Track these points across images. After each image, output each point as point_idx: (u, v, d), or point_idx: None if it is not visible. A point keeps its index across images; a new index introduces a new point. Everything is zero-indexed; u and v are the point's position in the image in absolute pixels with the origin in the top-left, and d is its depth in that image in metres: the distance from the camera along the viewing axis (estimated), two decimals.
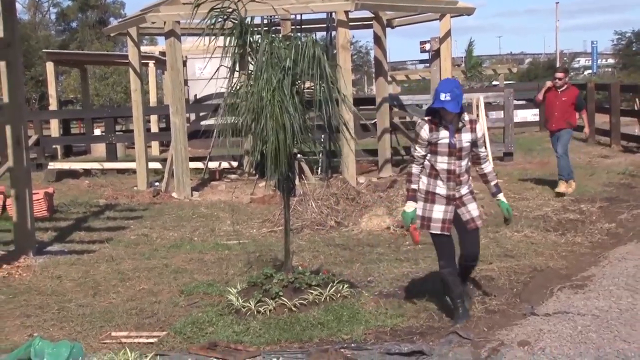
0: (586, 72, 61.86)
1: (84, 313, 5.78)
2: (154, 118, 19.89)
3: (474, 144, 5.15)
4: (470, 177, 5.21)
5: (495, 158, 13.76)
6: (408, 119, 19.12)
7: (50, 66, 19.34)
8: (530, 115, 20.86)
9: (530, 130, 19.68)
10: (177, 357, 4.75)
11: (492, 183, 5.30)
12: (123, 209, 10.67)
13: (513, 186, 10.94)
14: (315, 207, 8.90)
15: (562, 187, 10.10)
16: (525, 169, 12.99)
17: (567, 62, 58.84)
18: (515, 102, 15.57)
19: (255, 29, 5.68)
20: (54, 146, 18.56)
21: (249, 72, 5.63)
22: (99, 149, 18.14)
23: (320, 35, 14.67)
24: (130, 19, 13.13)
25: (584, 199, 9.84)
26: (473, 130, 5.11)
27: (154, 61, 20.77)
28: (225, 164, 13.93)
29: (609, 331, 4.91)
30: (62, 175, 14.26)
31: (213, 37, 5.60)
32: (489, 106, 17.25)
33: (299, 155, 6.59)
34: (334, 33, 12.45)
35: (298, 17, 13.44)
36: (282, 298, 5.51)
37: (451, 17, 12.30)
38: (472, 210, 5.17)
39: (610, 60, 70.75)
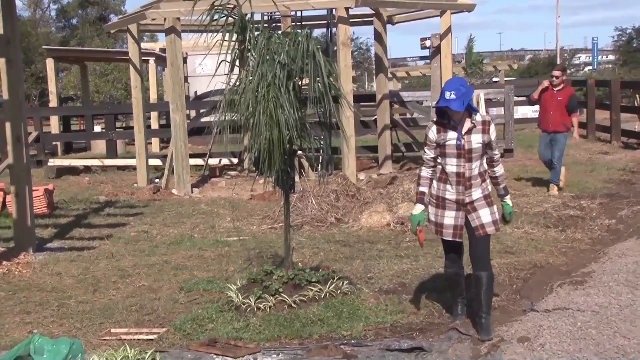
0: (587, 69, 61.87)
1: (84, 310, 5.79)
2: (154, 115, 19.86)
3: (488, 146, 4.94)
4: (487, 181, 5.00)
5: None
6: (409, 115, 19.14)
7: (50, 63, 19.30)
8: (531, 112, 20.82)
9: (530, 127, 19.63)
10: (177, 354, 4.76)
11: (502, 186, 5.14)
12: (123, 206, 10.67)
13: (513, 183, 10.92)
14: (316, 203, 8.91)
15: (554, 191, 10.08)
16: (526, 165, 12.98)
17: (567, 58, 58.73)
18: (516, 98, 15.56)
19: (256, 25, 5.67)
20: (54, 143, 18.51)
21: (249, 68, 5.60)
22: (100, 145, 18.15)
23: (321, 32, 14.67)
24: (130, 16, 13.13)
25: (585, 195, 9.84)
26: (486, 131, 4.88)
27: (154, 58, 20.74)
28: (225, 161, 13.95)
29: (609, 327, 4.92)
30: (62, 172, 14.28)
31: (214, 34, 5.58)
32: (489, 103, 17.23)
33: (299, 152, 6.57)
34: (334, 30, 12.47)
35: (299, 14, 13.44)
36: (283, 295, 5.50)
37: (452, 13, 12.29)
38: (484, 216, 4.91)
39: (611, 57, 70.64)
